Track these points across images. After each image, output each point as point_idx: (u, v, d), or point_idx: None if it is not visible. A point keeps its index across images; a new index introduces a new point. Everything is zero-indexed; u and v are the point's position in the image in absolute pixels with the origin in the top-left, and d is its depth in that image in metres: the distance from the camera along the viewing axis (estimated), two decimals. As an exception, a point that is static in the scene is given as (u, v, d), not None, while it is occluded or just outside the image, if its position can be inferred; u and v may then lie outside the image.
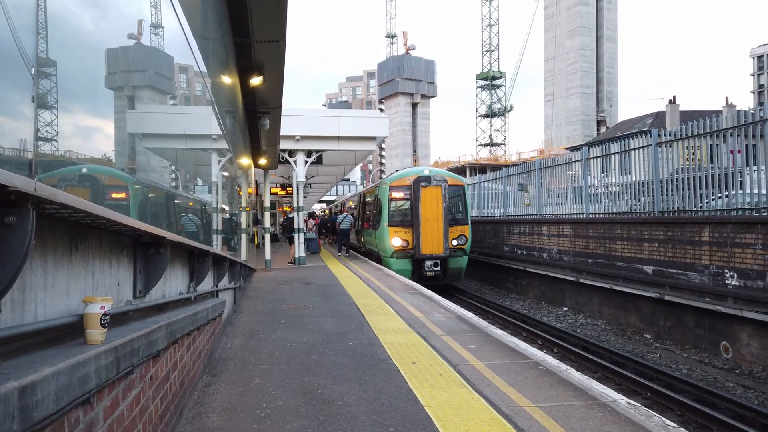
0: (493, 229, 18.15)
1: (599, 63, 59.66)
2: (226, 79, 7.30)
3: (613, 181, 12.24)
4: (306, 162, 16.00)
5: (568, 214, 13.69)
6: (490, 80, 73.56)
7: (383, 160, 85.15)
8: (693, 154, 9.74)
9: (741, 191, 8.68)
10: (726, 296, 8.35)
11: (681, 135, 9.92)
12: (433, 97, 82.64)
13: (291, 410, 3.91)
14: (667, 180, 10.20)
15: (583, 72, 57.99)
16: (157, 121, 15.24)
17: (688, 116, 24.52)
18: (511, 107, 74.41)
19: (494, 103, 73.82)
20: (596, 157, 12.92)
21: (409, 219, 14.96)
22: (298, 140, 15.48)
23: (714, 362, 8.41)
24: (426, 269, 14.62)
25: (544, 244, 14.37)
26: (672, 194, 10.06)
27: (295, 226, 16.62)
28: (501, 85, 74.27)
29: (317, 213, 43.59)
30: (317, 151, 16.11)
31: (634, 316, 10.70)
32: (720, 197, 8.99)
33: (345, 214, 21.33)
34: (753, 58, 71.24)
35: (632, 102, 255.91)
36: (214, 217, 16.33)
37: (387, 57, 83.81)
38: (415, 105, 79.95)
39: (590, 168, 12.96)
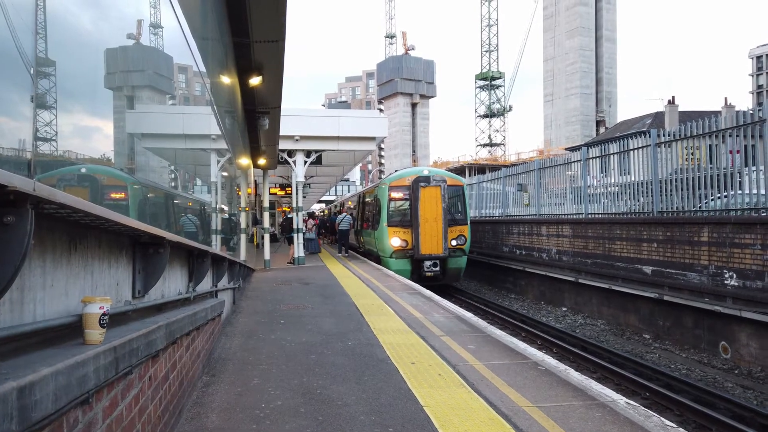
0: (492, 230, 18.15)
1: (598, 63, 59.76)
2: (226, 79, 7.28)
3: (613, 181, 12.25)
4: (305, 162, 15.99)
5: (568, 215, 13.70)
6: (489, 80, 73.66)
7: (382, 161, 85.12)
8: (692, 154, 9.75)
9: (740, 191, 8.70)
10: (725, 296, 8.35)
11: (680, 135, 9.92)
12: (432, 97, 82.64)
13: (290, 410, 3.91)
14: (666, 180, 10.21)
15: (583, 72, 58.08)
16: (157, 121, 15.22)
17: (687, 116, 24.52)
18: (511, 107, 74.53)
19: (493, 103, 73.93)
20: (595, 158, 12.93)
21: (408, 219, 14.94)
22: (297, 140, 15.48)
23: (713, 362, 8.42)
24: (425, 269, 14.61)
25: (543, 244, 14.38)
26: (671, 194, 10.07)
27: (295, 227, 16.62)
28: (500, 86, 74.44)
29: (316, 213, 43.53)
30: (316, 151, 16.11)
31: (633, 317, 10.71)
32: (719, 197, 9.00)
33: (344, 214, 21.30)
34: (752, 58, 71.45)
35: (631, 102, 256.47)
36: (213, 217, 16.30)
37: (386, 57, 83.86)
38: (414, 105, 79.94)
39: (589, 168, 12.97)
